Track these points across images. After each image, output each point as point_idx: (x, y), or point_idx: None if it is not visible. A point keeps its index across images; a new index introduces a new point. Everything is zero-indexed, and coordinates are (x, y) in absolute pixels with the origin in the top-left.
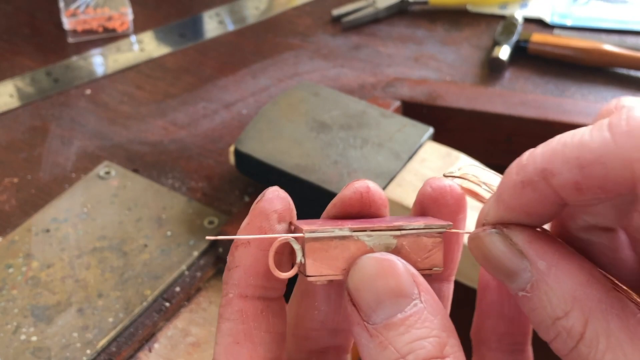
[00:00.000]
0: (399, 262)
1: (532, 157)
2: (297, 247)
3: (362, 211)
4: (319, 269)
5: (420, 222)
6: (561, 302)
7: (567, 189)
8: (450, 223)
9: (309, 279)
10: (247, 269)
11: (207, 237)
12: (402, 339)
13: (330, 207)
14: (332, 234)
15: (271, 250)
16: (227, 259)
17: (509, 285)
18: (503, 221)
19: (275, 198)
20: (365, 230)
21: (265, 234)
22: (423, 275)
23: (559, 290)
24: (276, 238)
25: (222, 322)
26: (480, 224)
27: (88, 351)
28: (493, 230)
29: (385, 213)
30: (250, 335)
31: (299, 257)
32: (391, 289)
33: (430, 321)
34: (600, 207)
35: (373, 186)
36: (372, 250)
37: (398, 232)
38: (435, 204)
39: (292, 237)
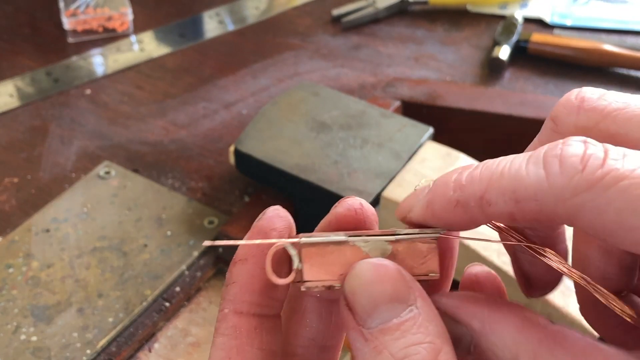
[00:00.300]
0: (396, 268)
1: (471, 181)
2: (293, 252)
3: (356, 227)
4: (316, 274)
5: (414, 229)
6: (506, 353)
7: (502, 218)
8: (444, 229)
9: (307, 284)
10: (243, 286)
11: (205, 243)
12: (397, 344)
13: (325, 225)
14: (328, 239)
15: (268, 256)
16: (226, 275)
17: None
18: (425, 224)
19: (276, 217)
20: (360, 236)
21: (264, 251)
22: (420, 281)
23: (500, 343)
24: (273, 244)
25: (217, 337)
26: (402, 216)
27: (88, 351)
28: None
29: (376, 229)
30: (243, 352)
31: (295, 263)
32: (388, 294)
33: (426, 327)
34: None
35: (364, 202)
36: (367, 256)
37: (393, 238)
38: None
39: (289, 243)
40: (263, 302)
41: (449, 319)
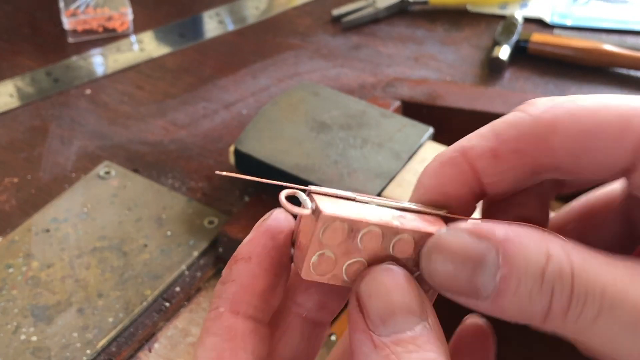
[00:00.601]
0: (413, 280)
1: (450, 145)
2: (305, 197)
3: None
4: (332, 209)
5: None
6: (538, 250)
7: (485, 159)
8: (446, 209)
9: (325, 214)
10: (244, 285)
11: (217, 172)
12: (411, 357)
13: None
14: (338, 193)
15: (282, 195)
16: (223, 272)
17: (484, 284)
18: (420, 202)
19: (284, 219)
20: (370, 199)
21: (269, 252)
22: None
23: (529, 243)
24: (278, 241)
25: (207, 337)
26: None
27: (88, 351)
28: (441, 230)
29: None
30: (236, 355)
31: (308, 205)
32: (406, 304)
33: (437, 346)
34: (526, 198)
35: None
36: (378, 221)
37: (400, 205)
38: None
39: (299, 190)
40: (260, 306)
41: (470, 238)
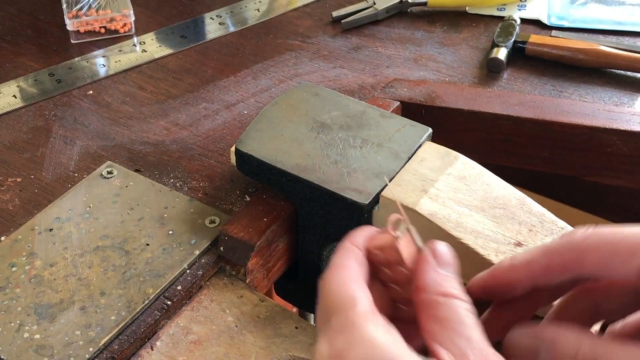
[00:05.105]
0: None
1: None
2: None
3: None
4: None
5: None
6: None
7: (540, 269)
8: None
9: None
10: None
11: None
12: None
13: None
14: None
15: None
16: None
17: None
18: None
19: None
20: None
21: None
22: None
23: (567, 335)
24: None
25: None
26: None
27: (90, 349)
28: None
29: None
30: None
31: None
32: None
33: None
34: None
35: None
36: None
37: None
38: None
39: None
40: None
41: (529, 338)
